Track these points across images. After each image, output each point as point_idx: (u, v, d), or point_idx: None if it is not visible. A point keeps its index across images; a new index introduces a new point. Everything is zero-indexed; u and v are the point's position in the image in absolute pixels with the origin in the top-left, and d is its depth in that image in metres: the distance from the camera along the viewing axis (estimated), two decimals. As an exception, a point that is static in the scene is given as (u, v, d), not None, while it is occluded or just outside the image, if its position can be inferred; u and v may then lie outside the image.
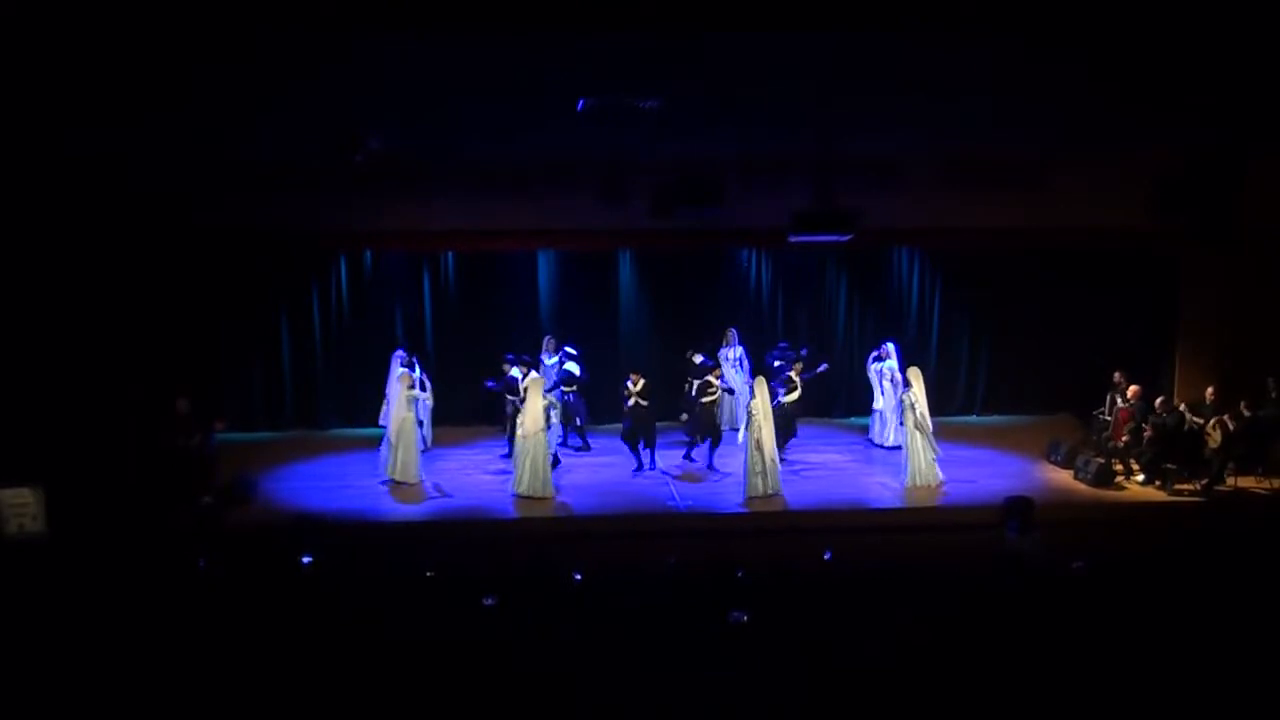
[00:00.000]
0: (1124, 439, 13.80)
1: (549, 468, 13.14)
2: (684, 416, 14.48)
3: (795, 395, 14.27)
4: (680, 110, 9.86)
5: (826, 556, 9.97)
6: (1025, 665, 6.81)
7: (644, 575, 9.27)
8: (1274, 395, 13.89)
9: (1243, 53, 8.27)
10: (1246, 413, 13.35)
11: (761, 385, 13.22)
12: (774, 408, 13.38)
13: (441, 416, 16.11)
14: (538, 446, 13.02)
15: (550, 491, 13.05)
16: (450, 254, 16.49)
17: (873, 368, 15.59)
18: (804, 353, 15.34)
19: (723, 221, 13.53)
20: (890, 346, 15.43)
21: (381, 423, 14.10)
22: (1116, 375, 14.27)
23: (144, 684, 6.64)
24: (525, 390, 13.27)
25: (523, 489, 13.01)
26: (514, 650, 6.96)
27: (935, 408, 16.55)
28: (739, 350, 15.88)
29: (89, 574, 9.81)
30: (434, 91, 9.34)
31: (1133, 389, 14.00)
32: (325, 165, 12.13)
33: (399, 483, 13.37)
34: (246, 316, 15.88)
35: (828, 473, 14.18)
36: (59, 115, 10.03)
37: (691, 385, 14.69)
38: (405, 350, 14.85)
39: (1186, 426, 13.42)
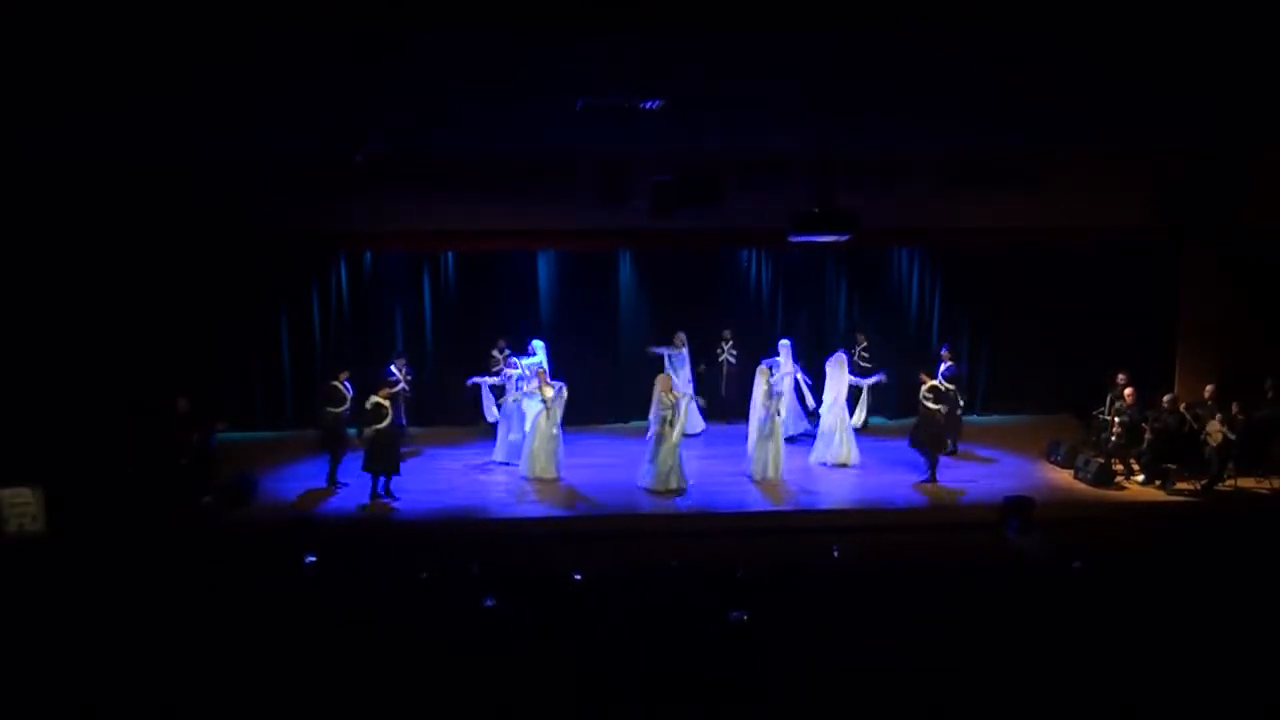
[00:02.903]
0: (1116, 432, 13.79)
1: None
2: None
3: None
4: (680, 110, 9.86)
5: (834, 553, 9.96)
6: (1025, 665, 6.81)
7: (644, 575, 9.26)
8: (1271, 395, 13.90)
9: (1242, 53, 8.27)
10: (1239, 416, 13.35)
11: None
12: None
13: (441, 417, 16.18)
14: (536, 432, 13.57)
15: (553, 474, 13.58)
16: (450, 254, 16.51)
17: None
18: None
19: (723, 221, 13.56)
20: (843, 356, 15.04)
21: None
22: (1120, 376, 14.26)
23: (144, 683, 6.64)
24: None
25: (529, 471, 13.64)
26: (514, 650, 6.96)
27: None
28: (733, 353, 16.07)
29: (89, 574, 9.82)
30: (434, 91, 9.35)
31: (1128, 391, 13.99)
32: (325, 165, 12.14)
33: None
34: (246, 316, 15.88)
35: (827, 473, 14.17)
36: (56, 114, 10.03)
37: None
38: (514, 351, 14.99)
39: (1186, 427, 13.42)
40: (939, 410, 13.49)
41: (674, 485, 13.11)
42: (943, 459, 13.71)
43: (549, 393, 13.51)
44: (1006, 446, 15.21)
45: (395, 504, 12.83)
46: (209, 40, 7.44)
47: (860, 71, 8.72)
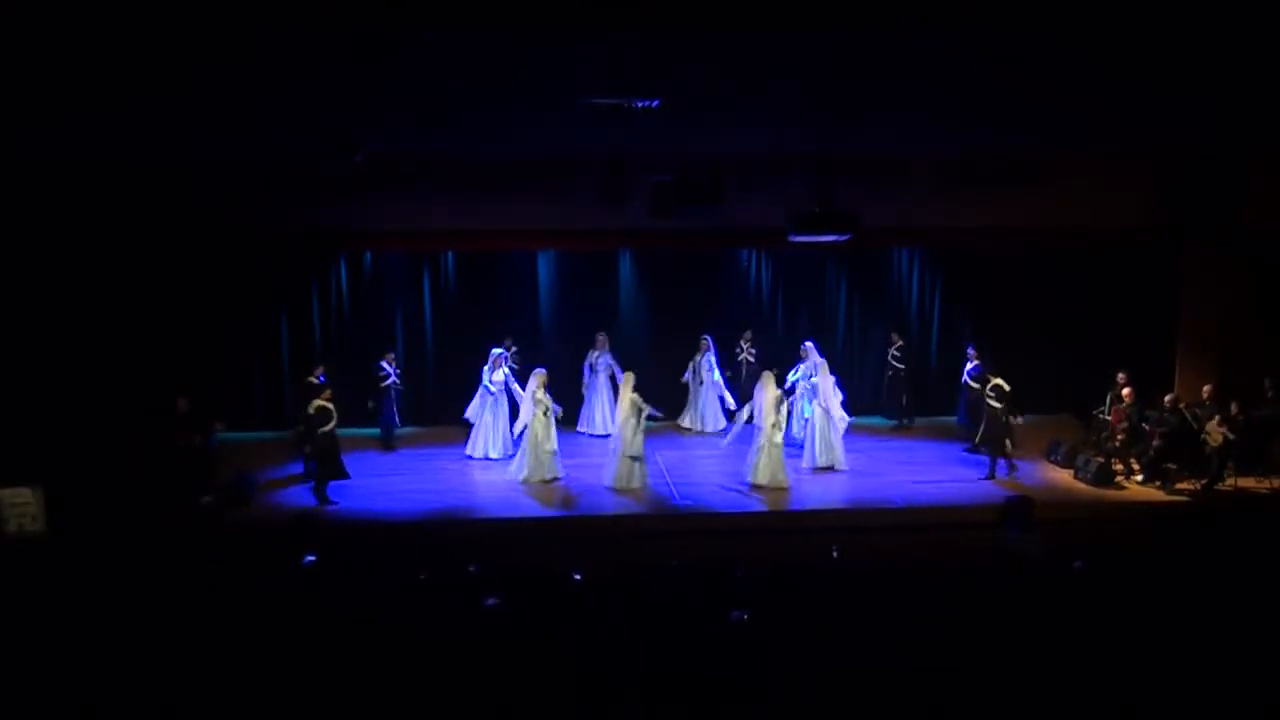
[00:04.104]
0: (1119, 438, 13.80)
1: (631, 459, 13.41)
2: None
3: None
4: (680, 110, 9.85)
5: (834, 554, 9.96)
6: (1025, 665, 6.81)
7: (644, 575, 9.26)
8: (1271, 395, 13.89)
9: (1242, 53, 8.27)
10: (1239, 416, 13.34)
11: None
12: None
13: (441, 416, 16.17)
14: (620, 440, 13.34)
15: (638, 483, 13.34)
16: (450, 254, 16.51)
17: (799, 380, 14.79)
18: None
19: (723, 221, 13.56)
20: (810, 345, 15.09)
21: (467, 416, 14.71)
22: (1120, 376, 14.26)
23: (144, 683, 6.64)
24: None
25: (610, 481, 13.41)
26: (514, 650, 6.95)
27: (937, 408, 16.65)
28: (712, 358, 16.09)
29: (89, 574, 9.82)
30: (434, 91, 9.34)
31: (1126, 390, 14.00)
32: (325, 165, 12.14)
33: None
34: (246, 316, 15.89)
35: (827, 473, 14.16)
36: (56, 114, 10.02)
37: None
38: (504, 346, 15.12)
39: (1186, 427, 13.42)
40: (1001, 409, 13.56)
41: (779, 482, 13.23)
42: (946, 458, 13.72)
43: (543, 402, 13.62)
44: (1006, 446, 15.20)
45: (336, 507, 12.73)
46: (209, 40, 7.43)
47: (860, 71, 8.71)
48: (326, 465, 12.82)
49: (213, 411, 13.63)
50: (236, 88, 9.05)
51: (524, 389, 14.13)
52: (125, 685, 6.63)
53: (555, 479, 13.61)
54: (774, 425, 13.26)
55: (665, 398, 16.45)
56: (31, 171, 12.52)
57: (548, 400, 13.79)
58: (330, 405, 12.90)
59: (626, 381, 13.59)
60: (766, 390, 13.43)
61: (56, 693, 6.60)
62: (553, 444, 13.65)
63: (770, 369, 14.07)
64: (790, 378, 14.68)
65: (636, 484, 13.29)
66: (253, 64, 8.19)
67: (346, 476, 13.11)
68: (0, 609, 8.52)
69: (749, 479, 13.38)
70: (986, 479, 13.62)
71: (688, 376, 16.22)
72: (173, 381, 13.56)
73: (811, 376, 14.44)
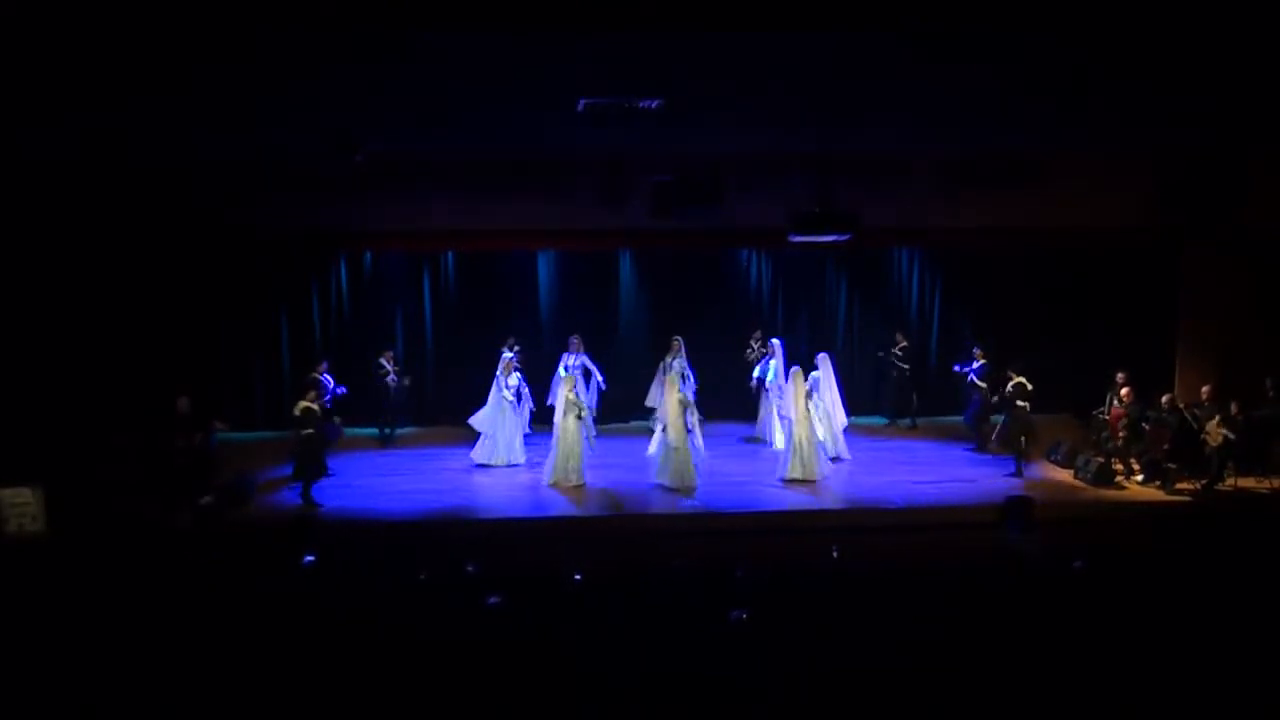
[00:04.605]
0: (1121, 437, 13.80)
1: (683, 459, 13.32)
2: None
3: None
4: (680, 110, 9.86)
5: (834, 554, 9.96)
6: (1025, 665, 6.81)
7: (644, 575, 9.25)
8: (1272, 395, 13.88)
9: (1242, 53, 8.28)
10: (1239, 416, 13.34)
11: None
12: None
13: (441, 416, 16.18)
14: (677, 439, 13.22)
15: (693, 481, 13.23)
16: (450, 254, 16.51)
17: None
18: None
19: (723, 221, 13.57)
20: (776, 343, 15.16)
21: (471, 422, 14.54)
22: (1119, 376, 14.26)
23: (144, 683, 6.64)
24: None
25: (667, 480, 13.29)
26: (514, 650, 6.95)
27: (936, 408, 16.64)
28: (683, 361, 16.08)
29: (89, 574, 9.82)
30: (434, 91, 9.35)
31: (1125, 390, 14.00)
32: (325, 165, 12.15)
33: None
34: (246, 316, 15.90)
35: (834, 462, 14.16)
36: (56, 114, 10.03)
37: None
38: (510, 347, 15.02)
39: (1186, 426, 13.41)
40: (1024, 407, 13.62)
41: (812, 475, 13.40)
42: (946, 458, 13.72)
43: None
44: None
45: (321, 508, 12.70)
46: (209, 40, 7.44)
47: (860, 71, 8.72)
48: (309, 466, 12.79)
49: (213, 411, 13.62)
50: (236, 88, 9.06)
51: (529, 390, 14.12)
52: (125, 685, 6.63)
53: (582, 484, 13.50)
54: (802, 420, 13.33)
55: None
56: (31, 171, 12.52)
57: (581, 403, 13.76)
58: (315, 407, 12.89)
59: (671, 383, 13.59)
60: (795, 386, 13.50)
61: (57, 692, 6.60)
62: (581, 447, 13.55)
63: (795, 366, 14.13)
64: (758, 374, 14.90)
65: (690, 482, 13.21)
66: (253, 64, 8.20)
67: (322, 477, 13.07)
68: (0, 609, 8.52)
69: (781, 475, 13.47)
70: (1014, 475, 13.70)
71: (657, 377, 16.02)
72: (173, 381, 13.56)
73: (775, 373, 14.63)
